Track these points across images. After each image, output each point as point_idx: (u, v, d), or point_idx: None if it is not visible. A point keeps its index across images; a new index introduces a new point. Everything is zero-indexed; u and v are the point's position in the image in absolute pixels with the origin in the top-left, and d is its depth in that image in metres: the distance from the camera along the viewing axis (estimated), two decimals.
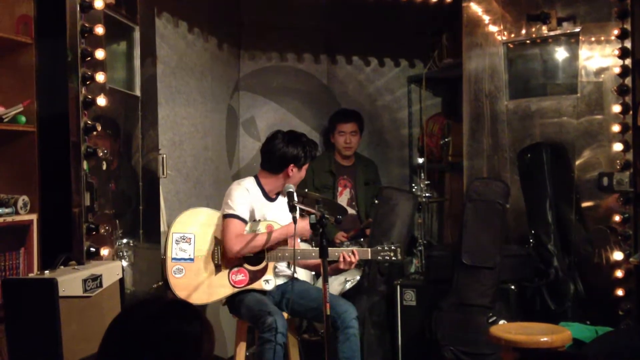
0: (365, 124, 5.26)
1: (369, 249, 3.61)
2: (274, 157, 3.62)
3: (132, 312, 1.60)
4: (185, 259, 3.45)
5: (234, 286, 3.49)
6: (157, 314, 1.53)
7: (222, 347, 4.56)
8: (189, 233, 3.48)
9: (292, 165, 3.61)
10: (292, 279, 3.52)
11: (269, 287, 3.55)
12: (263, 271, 3.54)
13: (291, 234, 3.41)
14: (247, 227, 3.55)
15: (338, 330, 3.35)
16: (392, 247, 3.59)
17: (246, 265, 3.53)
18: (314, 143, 3.74)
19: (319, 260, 3.62)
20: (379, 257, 3.60)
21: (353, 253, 3.52)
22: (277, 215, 3.64)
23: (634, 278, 3.91)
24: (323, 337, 3.20)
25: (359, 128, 5.13)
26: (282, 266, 3.71)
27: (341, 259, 3.51)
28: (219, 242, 3.51)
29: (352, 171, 5.17)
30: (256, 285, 3.52)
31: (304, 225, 3.37)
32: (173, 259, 3.44)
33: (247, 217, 3.54)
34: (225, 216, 3.51)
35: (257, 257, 3.54)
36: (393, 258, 3.60)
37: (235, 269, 3.51)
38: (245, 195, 3.57)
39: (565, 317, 3.96)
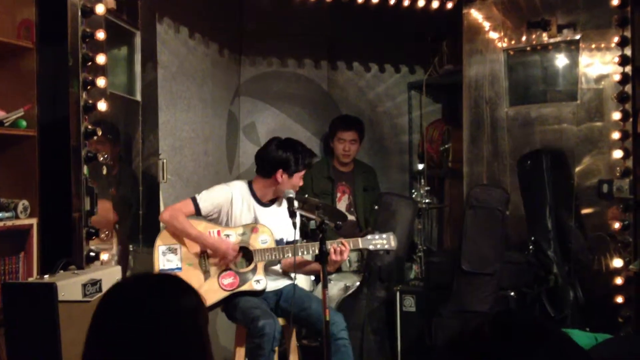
0: (365, 130, 5.26)
1: (359, 238, 3.55)
2: (265, 161, 3.64)
3: (125, 287, 1.52)
4: (172, 269, 3.47)
5: (224, 290, 3.49)
6: (151, 288, 1.48)
7: (220, 353, 4.55)
8: (174, 244, 3.50)
9: (280, 170, 3.57)
10: (294, 285, 3.51)
11: (260, 287, 3.51)
12: (253, 272, 3.53)
13: (211, 247, 3.47)
14: (239, 230, 3.55)
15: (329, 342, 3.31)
16: (384, 236, 3.54)
17: (235, 268, 3.52)
18: (309, 152, 3.69)
19: (305, 260, 3.62)
20: (370, 246, 3.54)
21: (342, 243, 3.44)
22: (271, 221, 3.64)
23: (634, 285, 3.91)
24: (322, 343, 3.19)
25: (359, 137, 5.12)
26: (277, 269, 3.71)
27: (332, 251, 3.39)
28: (205, 250, 3.52)
29: (351, 177, 5.17)
30: (247, 286, 3.51)
31: (227, 246, 3.44)
32: (161, 270, 3.46)
33: (204, 212, 3.55)
34: (191, 197, 3.56)
35: (245, 257, 3.54)
36: (386, 246, 3.54)
37: (224, 273, 3.51)
38: (221, 197, 3.58)
39: (564, 323, 3.96)
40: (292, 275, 3.55)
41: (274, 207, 3.71)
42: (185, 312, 1.44)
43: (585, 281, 4.13)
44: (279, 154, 3.59)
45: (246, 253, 3.55)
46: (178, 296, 1.46)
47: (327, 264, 3.25)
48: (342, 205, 5.11)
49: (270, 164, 3.60)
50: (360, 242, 3.53)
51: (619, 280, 3.95)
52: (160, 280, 1.54)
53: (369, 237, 3.57)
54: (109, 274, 3.08)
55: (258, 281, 3.52)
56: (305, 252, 3.50)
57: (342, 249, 3.44)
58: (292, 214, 3.33)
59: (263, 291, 3.54)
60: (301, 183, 3.69)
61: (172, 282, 1.52)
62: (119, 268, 3.21)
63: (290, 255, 3.48)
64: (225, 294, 3.49)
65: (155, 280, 1.55)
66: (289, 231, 3.61)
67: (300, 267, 3.66)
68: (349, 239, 3.57)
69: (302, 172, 3.65)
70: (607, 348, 3.32)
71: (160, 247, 3.49)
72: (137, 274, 1.60)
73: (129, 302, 1.44)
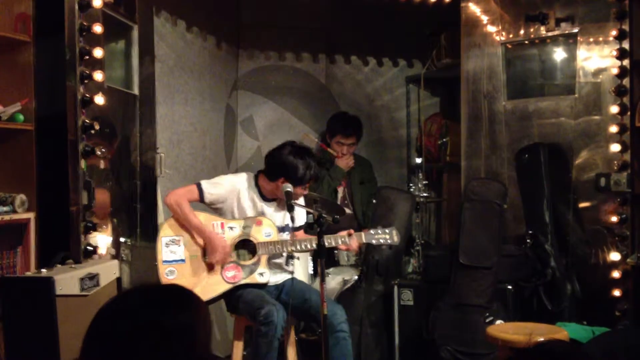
0: (363, 124, 5.23)
1: (362, 233, 3.57)
2: (273, 163, 3.57)
3: (122, 299, 1.45)
4: (176, 261, 3.46)
5: (227, 282, 3.49)
6: (142, 306, 1.39)
7: (219, 345, 4.56)
8: (178, 236, 3.49)
9: (283, 178, 3.51)
10: (292, 278, 3.51)
11: (263, 279, 3.52)
12: (256, 264, 3.53)
13: (206, 240, 3.45)
14: (242, 222, 3.55)
15: (329, 334, 3.32)
16: (387, 230, 3.56)
17: (237, 261, 3.53)
18: (317, 168, 3.63)
19: (307, 237, 3.63)
20: (373, 241, 3.57)
21: (349, 234, 3.50)
22: (274, 216, 3.64)
23: (631, 279, 3.91)
24: (320, 336, 3.19)
25: (357, 140, 5.09)
26: (280, 261, 3.71)
27: (340, 245, 3.50)
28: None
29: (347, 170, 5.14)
30: (250, 279, 3.51)
31: (222, 245, 3.43)
32: (164, 261, 3.46)
33: (207, 201, 3.54)
34: (197, 183, 3.56)
35: (249, 252, 3.55)
36: (389, 241, 3.56)
37: (228, 265, 3.51)
38: (228, 189, 3.57)
39: (562, 317, 3.96)
40: (290, 269, 3.55)
41: (276, 202, 3.69)
42: (178, 329, 1.35)
43: (583, 274, 4.13)
44: (289, 160, 3.50)
45: (249, 246, 3.55)
46: (167, 312, 1.37)
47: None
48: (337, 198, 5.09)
49: (276, 168, 3.54)
50: (363, 237, 3.55)
51: (616, 274, 3.95)
52: (151, 295, 1.44)
53: (371, 231, 3.58)
54: (107, 268, 3.08)
55: (261, 274, 3.52)
56: (308, 246, 3.50)
57: (352, 241, 3.50)
58: (290, 208, 3.33)
59: (266, 284, 3.55)
60: (305, 192, 3.62)
61: (163, 296, 1.43)
62: (116, 262, 3.22)
63: (293, 249, 3.50)
64: (229, 286, 3.49)
65: (146, 295, 1.45)
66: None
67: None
68: (354, 233, 3.58)
69: (305, 186, 3.58)
70: (604, 341, 3.33)
71: (163, 238, 3.48)
72: (131, 288, 1.47)
73: (120, 315, 1.38)
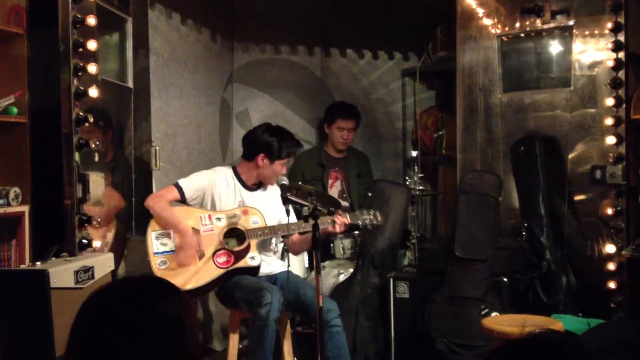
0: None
1: (347, 213, 3.68)
2: (250, 143, 3.71)
3: (103, 293, 1.41)
4: (167, 252, 3.49)
5: (220, 267, 3.50)
6: (129, 294, 1.38)
7: (216, 340, 4.56)
8: (167, 229, 3.50)
9: (262, 154, 3.64)
10: (287, 272, 3.51)
11: (255, 262, 3.54)
12: (246, 250, 3.55)
13: (180, 234, 3.46)
14: (230, 213, 3.57)
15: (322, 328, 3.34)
16: (371, 211, 3.72)
17: (228, 247, 3.53)
18: (295, 142, 3.75)
19: (301, 237, 3.65)
20: (359, 221, 3.68)
21: (337, 215, 3.59)
22: (258, 205, 3.66)
23: (626, 271, 3.92)
24: (316, 330, 3.19)
25: (357, 125, 5.12)
26: (274, 258, 3.72)
27: (330, 228, 3.57)
28: (198, 232, 3.52)
29: (344, 163, 5.15)
30: (242, 263, 3.53)
31: (193, 240, 3.46)
32: (155, 253, 3.48)
33: (188, 196, 3.59)
34: (175, 183, 3.61)
35: (238, 239, 3.56)
36: (374, 221, 3.71)
37: (219, 252, 3.53)
38: (204, 181, 3.63)
39: (557, 309, 3.97)
40: (286, 262, 3.56)
41: (260, 191, 3.76)
42: (165, 318, 1.35)
43: (578, 267, 4.14)
44: (264, 138, 3.66)
45: (238, 234, 3.56)
46: (158, 302, 1.37)
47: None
48: (334, 191, 5.10)
49: (254, 147, 3.68)
50: (349, 217, 3.65)
51: (611, 266, 3.95)
52: (140, 285, 1.43)
53: (357, 212, 3.72)
54: (102, 261, 3.07)
55: (252, 257, 3.55)
56: (297, 230, 3.54)
57: (344, 222, 3.60)
58: (285, 201, 3.33)
59: (258, 267, 3.56)
60: (283, 171, 3.70)
61: (153, 286, 1.43)
62: (111, 255, 3.20)
63: (281, 233, 3.56)
64: (221, 271, 3.50)
65: (135, 284, 1.43)
66: (275, 216, 3.69)
67: (304, 244, 3.74)
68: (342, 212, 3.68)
69: (284, 160, 3.70)
70: (599, 333, 3.34)
71: (152, 232, 3.50)
72: (120, 278, 1.45)
73: (104, 309, 1.36)
